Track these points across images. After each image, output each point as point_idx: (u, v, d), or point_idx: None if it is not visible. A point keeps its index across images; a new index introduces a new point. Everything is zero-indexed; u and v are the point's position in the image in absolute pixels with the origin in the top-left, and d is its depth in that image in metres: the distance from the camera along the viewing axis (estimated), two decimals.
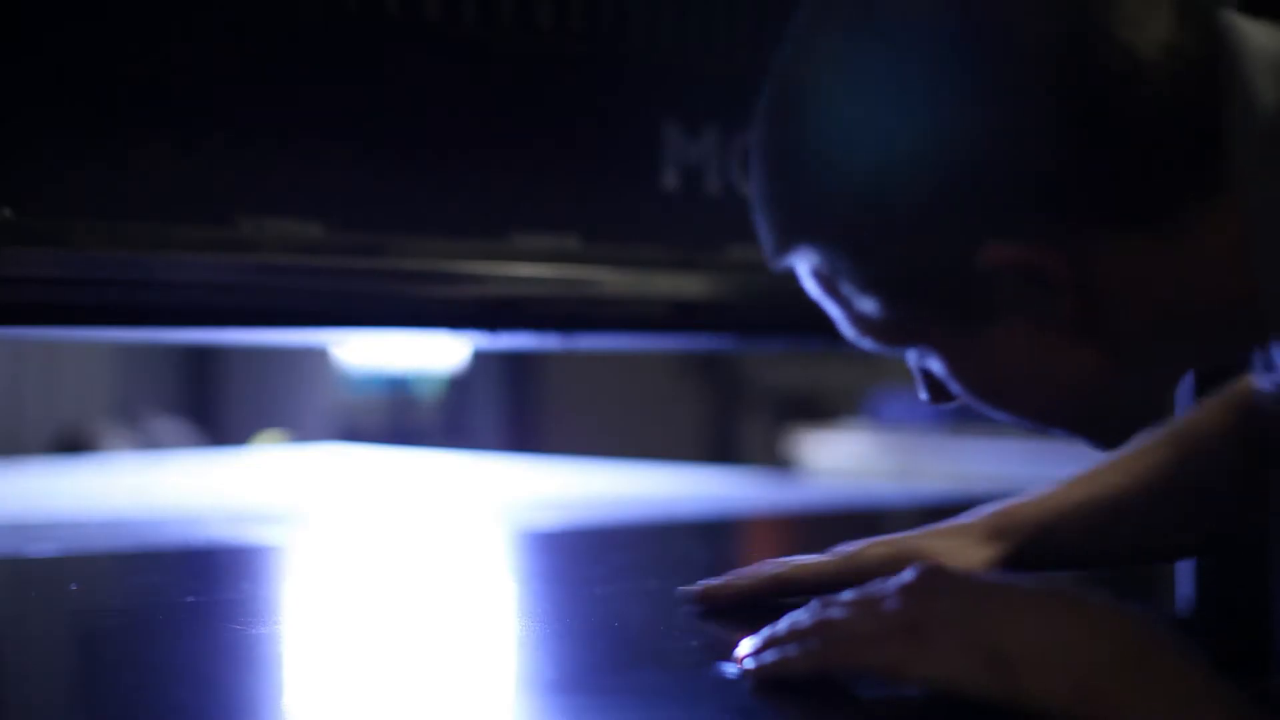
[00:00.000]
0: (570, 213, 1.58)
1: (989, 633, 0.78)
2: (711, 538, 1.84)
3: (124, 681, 0.92)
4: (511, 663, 0.99)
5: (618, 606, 1.18)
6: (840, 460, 4.84)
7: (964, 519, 1.17)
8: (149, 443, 6.28)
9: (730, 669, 0.88)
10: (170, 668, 0.94)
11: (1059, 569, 1.18)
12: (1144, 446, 1.14)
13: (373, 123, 1.49)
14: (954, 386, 0.91)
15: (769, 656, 0.85)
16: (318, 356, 7.71)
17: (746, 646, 0.88)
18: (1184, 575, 1.23)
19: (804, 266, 0.90)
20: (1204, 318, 0.86)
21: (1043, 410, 0.92)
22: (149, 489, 2.85)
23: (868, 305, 0.88)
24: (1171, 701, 0.73)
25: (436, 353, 7.40)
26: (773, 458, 5.42)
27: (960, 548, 1.14)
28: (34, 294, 1.36)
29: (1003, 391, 0.91)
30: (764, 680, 0.85)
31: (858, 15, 0.86)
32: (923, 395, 0.95)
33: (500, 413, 7.33)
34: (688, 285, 1.61)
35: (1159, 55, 0.82)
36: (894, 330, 0.89)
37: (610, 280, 1.59)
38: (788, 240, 0.89)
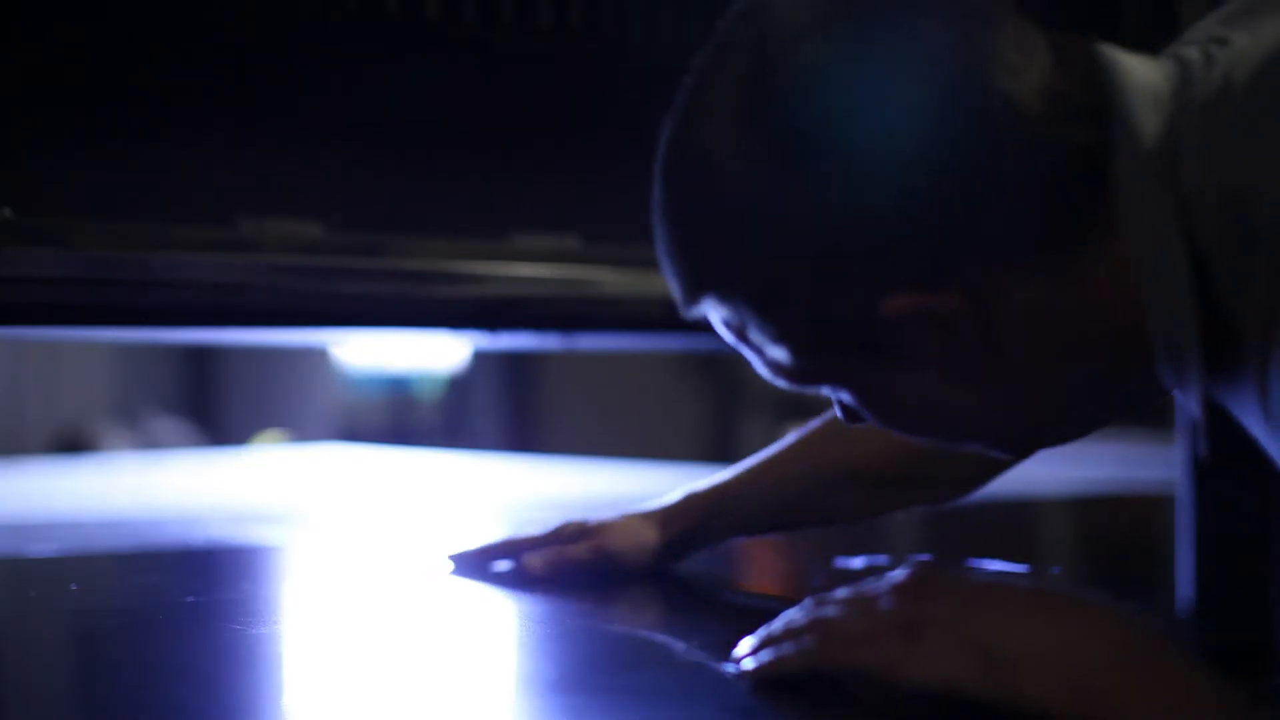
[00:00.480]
0: (570, 213, 1.58)
1: (984, 633, 0.78)
2: None
3: (124, 681, 0.92)
4: (511, 663, 0.99)
5: (617, 607, 1.18)
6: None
7: (655, 502, 1.34)
8: (149, 443, 6.28)
9: (729, 669, 0.88)
10: (170, 668, 0.94)
11: (742, 535, 1.38)
12: (812, 435, 1.32)
13: (373, 123, 1.49)
14: (868, 416, 0.94)
15: (765, 656, 0.85)
16: (318, 356, 7.72)
17: (744, 647, 0.88)
18: (1184, 575, 1.23)
19: (714, 316, 0.92)
20: (1108, 345, 0.88)
21: (954, 435, 0.95)
22: (149, 489, 2.85)
23: (778, 353, 0.91)
24: (1168, 701, 0.73)
25: (436, 353, 7.40)
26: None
27: (634, 528, 1.31)
28: (34, 294, 1.36)
29: (914, 421, 0.93)
30: (761, 680, 0.85)
31: (748, 73, 0.87)
32: (839, 416, 0.97)
33: (500, 413, 7.34)
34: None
35: (1038, 102, 0.84)
36: (805, 375, 0.92)
37: (610, 280, 1.59)
38: (695, 293, 0.91)
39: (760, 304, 0.89)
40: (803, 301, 0.87)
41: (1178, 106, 0.85)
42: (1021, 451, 1.00)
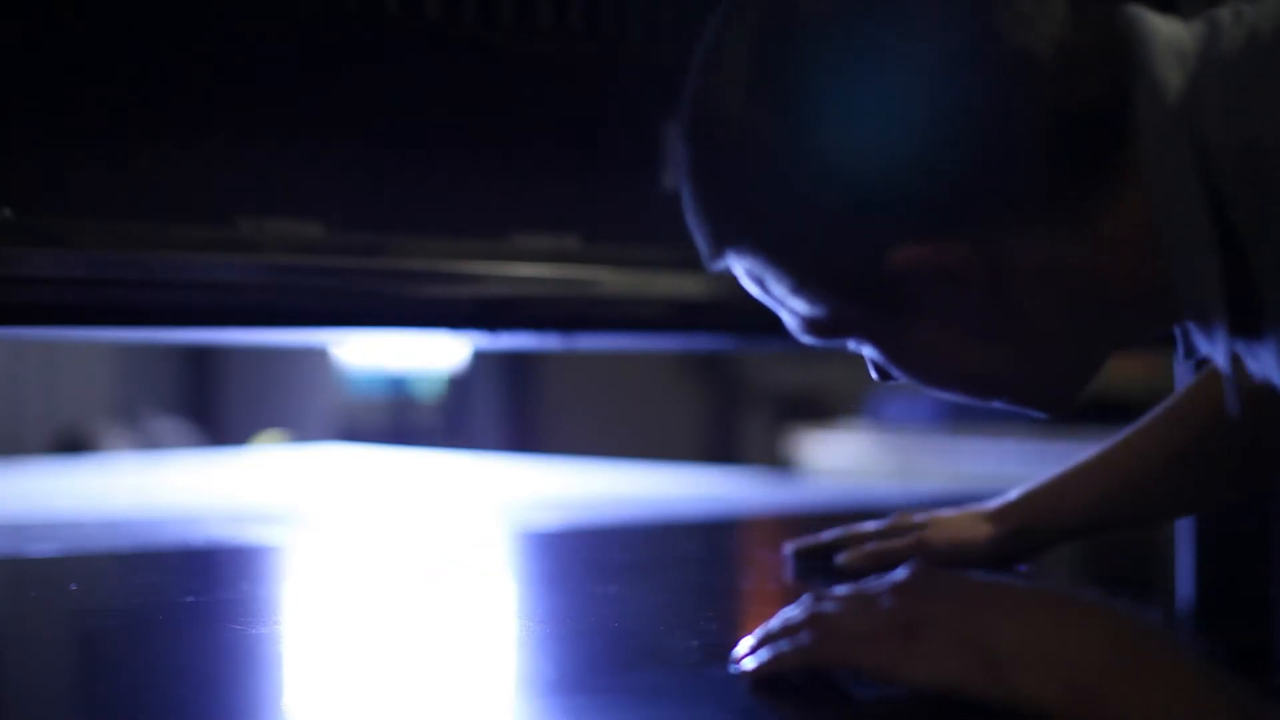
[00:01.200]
0: (570, 213, 1.58)
1: (983, 633, 0.78)
2: (711, 537, 1.83)
3: (124, 681, 0.92)
4: (511, 663, 0.99)
5: (617, 606, 1.18)
6: (840, 460, 4.85)
7: (995, 501, 1.28)
8: (149, 443, 6.28)
9: (729, 669, 0.88)
10: (170, 668, 0.94)
11: (1066, 540, 1.30)
12: (1149, 422, 1.22)
13: (373, 123, 1.49)
14: (893, 370, 0.95)
15: (764, 654, 0.85)
16: (318, 356, 7.72)
17: (743, 646, 0.88)
18: (1184, 575, 1.23)
19: (738, 269, 0.94)
20: (1123, 300, 0.89)
21: (978, 388, 0.96)
22: (149, 489, 2.85)
23: (798, 305, 0.93)
24: (1166, 701, 0.73)
25: (436, 353, 7.40)
26: (773, 457, 5.42)
27: (964, 522, 1.28)
28: (34, 294, 1.36)
29: (936, 375, 0.94)
30: (760, 678, 0.85)
31: (765, 29, 0.88)
32: (872, 374, 0.99)
33: (500, 413, 7.34)
34: (688, 285, 1.61)
35: (1052, 52, 0.84)
36: (826, 326, 0.93)
37: (610, 280, 1.59)
38: (719, 246, 0.93)
39: (777, 255, 0.91)
40: (816, 252, 0.89)
41: (1202, 63, 0.85)
42: (1051, 407, 0.98)
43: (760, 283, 0.94)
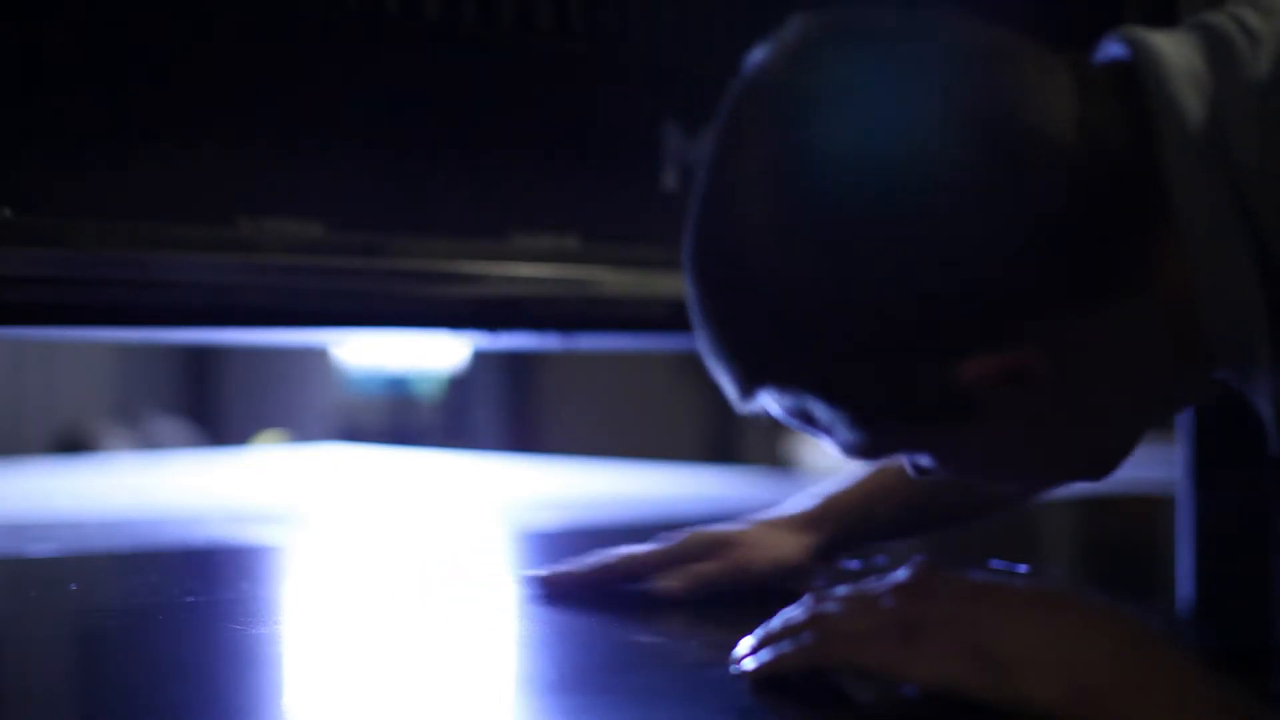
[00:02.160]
0: (570, 213, 1.58)
1: (984, 633, 0.78)
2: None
3: (124, 681, 0.92)
4: (511, 663, 0.99)
5: (618, 606, 1.17)
6: (840, 460, 4.84)
7: (786, 509, 1.24)
8: (149, 443, 6.28)
9: (730, 669, 0.88)
10: (170, 668, 0.94)
11: (874, 542, 1.28)
12: None
13: (373, 123, 1.49)
14: (945, 471, 0.92)
15: (765, 655, 0.85)
16: (317, 356, 7.71)
17: (744, 646, 0.88)
18: (1184, 575, 1.23)
19: (774, 407, 0.89)
20: (1173, 350, 0.86)
21: (1037, 476, 0.96)
22: (149, 489, 2.85)
23: (848, 434, 0.88)
24: (1168, 701, 0.73)
25: (436, 353, 7.40)
26: (773, 458, 5.42)
27: (778, 536, 1.21)
28: (34, 294, 1.36)
29: (995, 470, 0.93)
30: (760, 678, 0.85)
31: (769, 154, 0.82)
32: (911, 474, 0.95)
33: (500, 413, 7.33)
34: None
35: (1073, 131, 0.81)
36: (881, 449, 0.90)
37: (610, 280, 1.59)
38: (751, 387, 0.88)
39: (825, 392, 0.86)
40: (870, 383, 0.84)
41: (1220, 84, 0.82)
42: (1103, 477, 0.95)
43: (803, 417, 0.88)
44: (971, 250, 0.81)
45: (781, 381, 0.87)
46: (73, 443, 6.22)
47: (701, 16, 1.68)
